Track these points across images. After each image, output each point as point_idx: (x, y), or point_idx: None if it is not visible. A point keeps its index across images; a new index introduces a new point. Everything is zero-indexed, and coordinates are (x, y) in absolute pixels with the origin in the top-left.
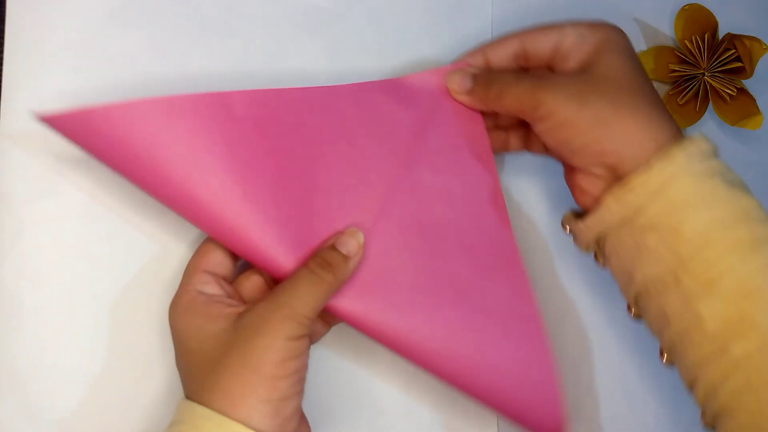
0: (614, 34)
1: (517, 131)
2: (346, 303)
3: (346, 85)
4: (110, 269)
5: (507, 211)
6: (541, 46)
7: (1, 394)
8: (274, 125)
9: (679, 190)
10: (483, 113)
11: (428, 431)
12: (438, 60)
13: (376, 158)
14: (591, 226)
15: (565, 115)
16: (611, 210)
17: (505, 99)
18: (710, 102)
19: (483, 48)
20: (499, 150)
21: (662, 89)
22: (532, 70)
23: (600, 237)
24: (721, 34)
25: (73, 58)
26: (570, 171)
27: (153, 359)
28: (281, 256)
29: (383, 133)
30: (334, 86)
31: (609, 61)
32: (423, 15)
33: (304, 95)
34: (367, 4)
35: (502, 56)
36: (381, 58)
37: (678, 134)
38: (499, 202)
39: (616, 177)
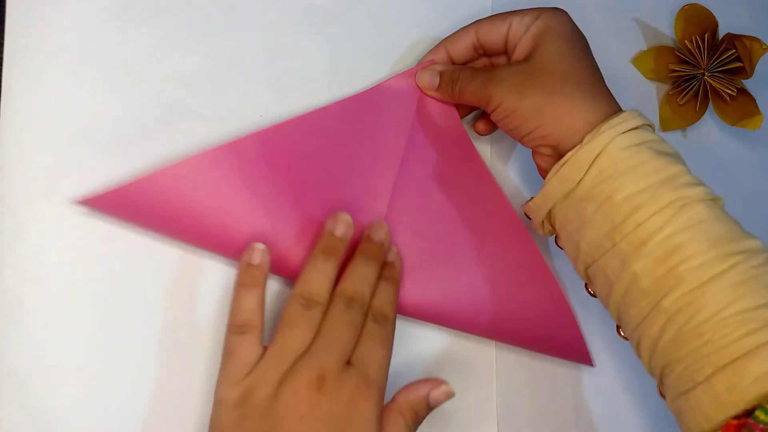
0: (554, 21)
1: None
2: None
3: (334, 103)
4: (110, 269)
5: (497, 182)
6: (493, 38)
7: (1, 394)
8: (282, 157)
9: (608, 162)
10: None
11: (428, 431)
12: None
13: (374, 163)
14: (539, 203)
15: (509, 106)
16: (553, 185)
17: (465, 95)
18: (710, 102)
19: (444, 42)
20: (483, 132)
21: (662, 89)
22: (492, 59)
23: (551, 215)
24: (721, 34)
25: (73, 58)
26: (532, 152)
27: (152, 359)
28: None
29: (374, 139)
30: (324, 107)
31: (546, 50)
32: (423, 14)
33: (300, 123)
34: (367, 4)
35: (461, 48)
36: (381, 58)
37: (612, 112)
38: (487, 176)
39: (559, 156)
